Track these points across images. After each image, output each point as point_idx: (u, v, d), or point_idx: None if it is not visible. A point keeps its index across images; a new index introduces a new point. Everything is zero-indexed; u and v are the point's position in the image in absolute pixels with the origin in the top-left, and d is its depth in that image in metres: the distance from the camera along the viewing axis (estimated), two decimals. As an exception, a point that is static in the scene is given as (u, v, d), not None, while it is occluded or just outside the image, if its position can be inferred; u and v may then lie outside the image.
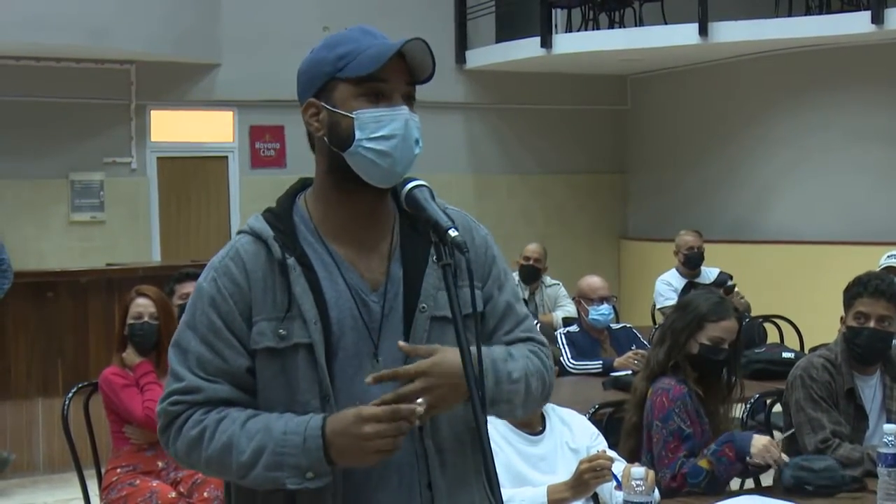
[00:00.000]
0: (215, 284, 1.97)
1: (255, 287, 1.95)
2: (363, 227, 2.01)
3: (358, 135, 1.93)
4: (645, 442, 3.64)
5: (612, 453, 3.42)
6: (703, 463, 3.42)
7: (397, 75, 1.94)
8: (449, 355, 1.88)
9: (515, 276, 7.63)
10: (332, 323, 1.94)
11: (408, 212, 1.99)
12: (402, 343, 1.92)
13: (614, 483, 3.11)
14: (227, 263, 1.98)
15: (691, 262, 7.51)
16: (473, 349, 1.84)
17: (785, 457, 3.40)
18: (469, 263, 1.88)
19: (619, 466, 3.18)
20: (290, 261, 1.94)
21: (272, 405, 1.94)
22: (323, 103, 1.97)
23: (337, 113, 1.95)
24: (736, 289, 7.12)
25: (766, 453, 3.36)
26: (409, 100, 1.98)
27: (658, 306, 7.55)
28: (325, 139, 1.98)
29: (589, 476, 3.12)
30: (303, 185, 2.08)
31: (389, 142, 1.93)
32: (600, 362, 5.65)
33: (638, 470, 3.02)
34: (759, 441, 3.39)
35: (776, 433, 3.52)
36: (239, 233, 2.03)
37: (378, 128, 1.93)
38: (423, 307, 1.98)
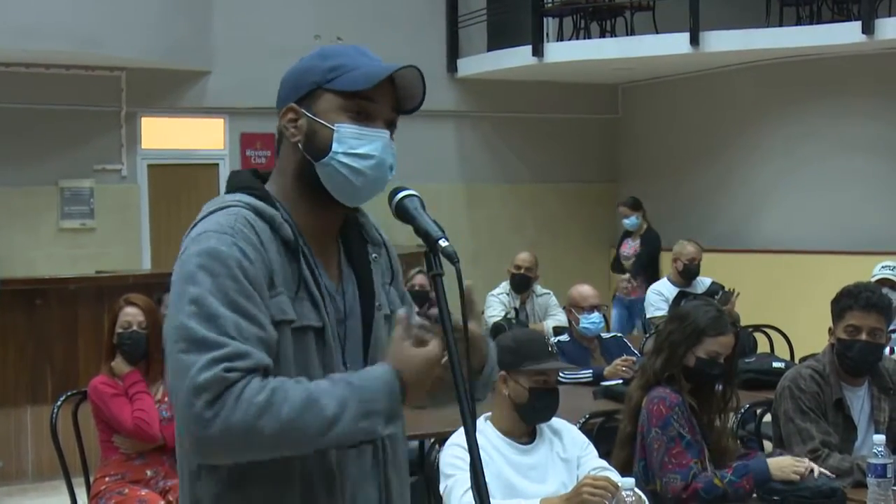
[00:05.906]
0: (238, 248, 1.83)
1: (272, 258, 1.87)
2: (325, 231, 2.01)
3: (335, 147, 1.91)
4: (638, 451, 3.63)
5: (608, 470, 3.41)
6: (717, 481, 3.41)
7: (385, 99, 1.94)
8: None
9: (506, 284, 7.63)
10: (329, 312, 1.94)
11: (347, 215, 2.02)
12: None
13: None
14: (240, 229, 1.85)
15: (688, 273, 7.50)
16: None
17: (813, 466, 3.42)
18: (460, 274, 1.88)
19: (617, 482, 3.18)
20: (301, 242, 1.92)
21: None
22: (304, 110, 1.95)
23: (317, 122, 1.93)
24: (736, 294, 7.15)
25: (787, 470, 3.38)
26: (391, 126, 1.97)
27: (648, 315, 7.56)
28: (300, 146, 1.96)
29: (588, 491, 3.10)
30: (248, 181, 1.99)
31: (366, 161, 1.92)
32: (590, 371, 5.64)
33: (628, 480, 3.02)
34: (776, 464, 3.42)
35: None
36: (227, 207, 1.92)
37: (357, 145, 1.92)
38: (379, 305, 2.03)
